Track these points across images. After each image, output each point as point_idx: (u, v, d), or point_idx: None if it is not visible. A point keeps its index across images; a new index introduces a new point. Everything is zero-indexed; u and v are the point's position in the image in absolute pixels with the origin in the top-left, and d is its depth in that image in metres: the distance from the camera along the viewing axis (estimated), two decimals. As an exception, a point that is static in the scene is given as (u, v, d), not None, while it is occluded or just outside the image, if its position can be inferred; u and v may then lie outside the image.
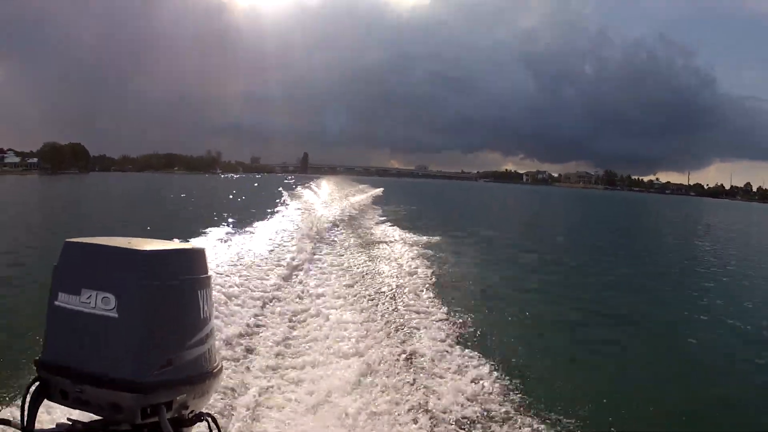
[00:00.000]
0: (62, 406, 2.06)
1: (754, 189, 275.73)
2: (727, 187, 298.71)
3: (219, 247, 15.83)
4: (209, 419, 2.20)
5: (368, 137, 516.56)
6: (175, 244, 2.27)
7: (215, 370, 2.24)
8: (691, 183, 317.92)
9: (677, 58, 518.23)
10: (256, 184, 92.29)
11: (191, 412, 2.15)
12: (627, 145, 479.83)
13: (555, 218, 62.30)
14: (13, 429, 2.06)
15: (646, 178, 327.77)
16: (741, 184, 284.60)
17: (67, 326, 2.04)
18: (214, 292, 2.33)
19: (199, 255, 2.26)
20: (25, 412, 2.04)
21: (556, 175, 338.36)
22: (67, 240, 2.15)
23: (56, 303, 2.06)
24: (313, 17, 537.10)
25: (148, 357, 1.99)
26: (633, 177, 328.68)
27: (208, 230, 20.63)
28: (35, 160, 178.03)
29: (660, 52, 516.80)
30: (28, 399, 2.04)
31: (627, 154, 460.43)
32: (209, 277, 2.28)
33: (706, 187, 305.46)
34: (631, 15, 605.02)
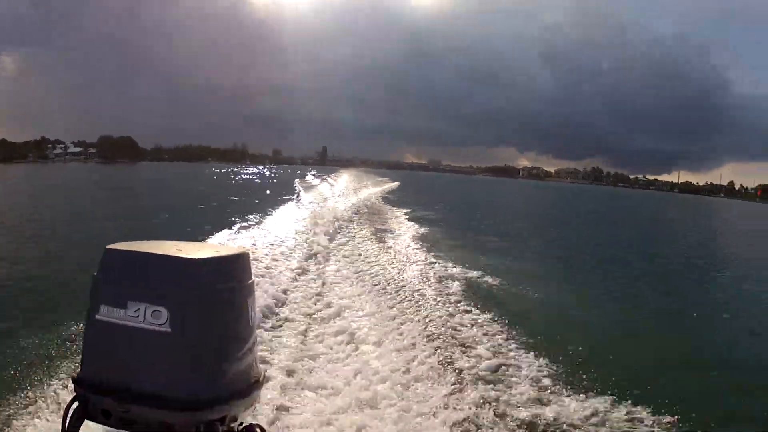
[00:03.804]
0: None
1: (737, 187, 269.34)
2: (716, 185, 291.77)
3: (233, 241, 15.37)
4: (258, 429, 1.91)
5: (386, 130, 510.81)
6: (223, 248, 1.96)
7: (261, 378, 1.96)
8: (681, 181, 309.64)
9: (696, 57, 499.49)
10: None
11: (240, 424, 1.86)
12: (644, 143, 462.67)
13: (534, 208, 64.10)
14: None
15: (632, 176, 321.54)
16: (747, 184, 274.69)
17: (112, 341, 1.72)
18: None
19: (246, 259, 1.97)
20: None
21: (552, 171, 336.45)
22: (108, 247, 1.81)
23: (98, 317, 1.74)
24: (334, 10, 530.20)
25: (202, 372, 1.70)
26: (619, 173, 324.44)
27: (221, 223, 19.74)
28: (94, 150, 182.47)
29: (680, 51, 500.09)
30: (68, 420, 1.74)
31: (644, 152, 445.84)
32: (253, 282, 1.99)
33: (696, 184, 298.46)
34: (652, 13, 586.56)
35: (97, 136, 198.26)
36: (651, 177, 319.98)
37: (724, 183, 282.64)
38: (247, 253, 2.01)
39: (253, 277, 2.02)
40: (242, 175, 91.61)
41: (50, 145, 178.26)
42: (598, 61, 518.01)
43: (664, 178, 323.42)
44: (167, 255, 1.74)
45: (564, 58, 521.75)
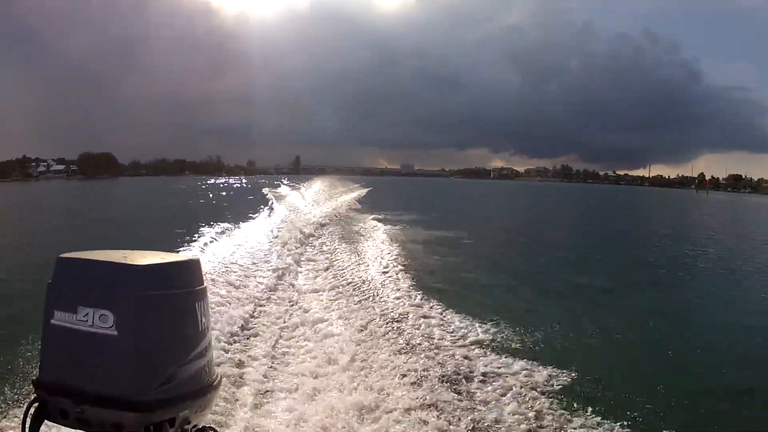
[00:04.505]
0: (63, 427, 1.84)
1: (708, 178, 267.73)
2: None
3: (209, 252, 15.12)
4: None
5: (358, 137, 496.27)
6: (170, 255, 2.04)
7: (215, 383, 2.04)
8: (653, 175, 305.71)
9: (662, 51, 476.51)
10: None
11: (194, 426, 1.95)
12: (617, 138, 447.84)
13: (504, 206, 64.82)
14: None
15: (602, 172, 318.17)
16: (720, 174, 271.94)
17: (65, 345, 1.82)
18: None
19: (194, 266, 2.06)
20: None
21: (521, 170, 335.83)
22: (61, 256, 1.92)
23: (52, 321, 1.84)
24: (302, 20, 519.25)
25: (149, 374, 1.79)
26: (589, 170, 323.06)
27: (195, 235, 19.43)
28: (75, 167, 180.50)
29: (645, 46, 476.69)
30: (28, 420, 1.82)
31: (617, 148, 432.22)
32: (205, 288, 2.07)
33: (668, 177, 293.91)
34: (615, 9, 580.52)
35: (73, 153, 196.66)
36: (621, 172, 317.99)
37: (695, 175, 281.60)
38: (197, 261, 2.10)
39: (205, 284, 2.11)
40: (219, 186, 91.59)
41: (33, 164, 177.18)
42: (565, 59, 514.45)
43: (640, 172, 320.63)
44: (112, 262, 1.83)
45: (530, 58, 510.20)
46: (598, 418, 6.97)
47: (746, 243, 30.61)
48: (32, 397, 1.85)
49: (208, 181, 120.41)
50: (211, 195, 61.85)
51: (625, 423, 6.99)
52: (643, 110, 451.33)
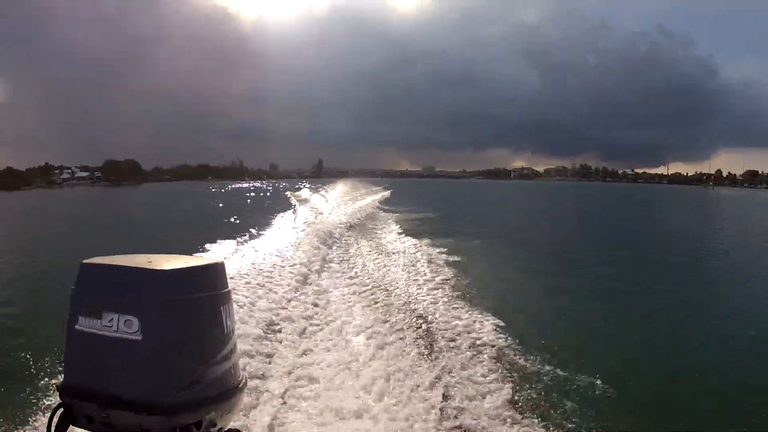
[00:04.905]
0: None
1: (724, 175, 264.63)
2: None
3: (232, 255, 15.02)
4: None
5: (377, 138, 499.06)
6: (195, 259, 2.02)
7: (240, 385, 2.01)
8: (671, 172, 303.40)
9: (677, 48, 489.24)
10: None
11: (219, 429, 1.91)
12: (635, 137, 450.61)
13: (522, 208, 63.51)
14: None
15: (620, 171, 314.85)
16: (737, 171, 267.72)
17: (90, 350, 1.80)
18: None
19: (219, 269, 2.03)
20: None
21: (541, 170, 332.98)
22: (84, 261, 1.89)
23: (77, 327, 1.82)
24: (317, 24, 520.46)
25: (175, 377, 1.76)
26: (607, 168, 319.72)
27: (219, 238, 19.24)
28: (99, 174, 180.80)
29: (660, 43, 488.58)
30: (53, 426, 1.80)
31: (635, 146, 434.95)
32: (230, 291, 2.05)
33: (686, 174, 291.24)
34: (631, 6, 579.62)
35: (90, 160, 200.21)
36: (640, 170, 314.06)
37: (713, 172, 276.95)
38: (221, 264, 2.07)
39: (230, 287, 2.07)
40: (243, 191, 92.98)
41: (57, 171, 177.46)
42: (584, 57, 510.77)
43: (660, 170, 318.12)
44: (136, 267, 1.81)
45: (548, 57, 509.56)
46: (614, 416, 6.97)
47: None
48: (57, 403, 1.84)
49: (241, 185, 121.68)
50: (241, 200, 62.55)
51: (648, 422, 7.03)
52: (663, 107, 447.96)
